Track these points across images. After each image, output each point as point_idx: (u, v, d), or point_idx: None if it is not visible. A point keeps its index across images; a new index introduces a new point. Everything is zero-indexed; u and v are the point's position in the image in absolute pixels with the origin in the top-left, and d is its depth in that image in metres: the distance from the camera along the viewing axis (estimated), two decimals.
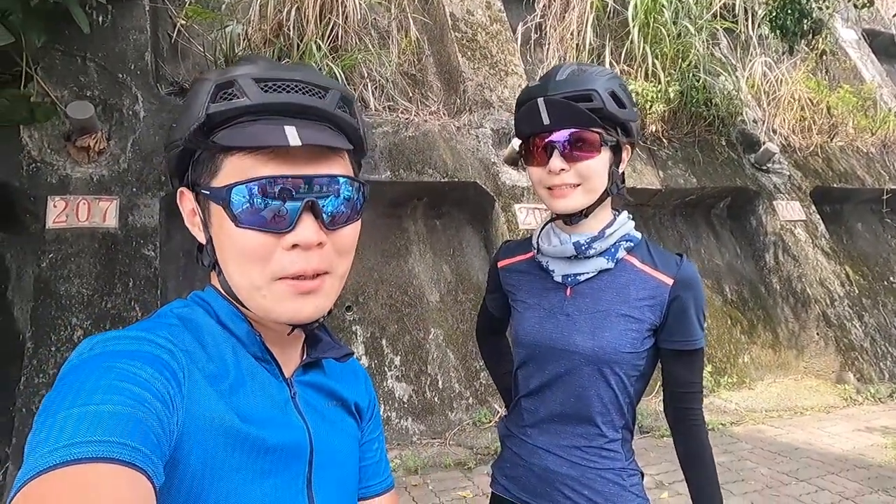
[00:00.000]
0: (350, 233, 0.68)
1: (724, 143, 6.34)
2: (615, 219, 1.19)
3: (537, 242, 1.22)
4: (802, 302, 5.76)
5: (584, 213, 1.14)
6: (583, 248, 1.14)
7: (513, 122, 4.92)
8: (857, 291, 6.02)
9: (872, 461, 3.79)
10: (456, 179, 4.86)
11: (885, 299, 6.65)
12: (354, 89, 5.06)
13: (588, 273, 1.16)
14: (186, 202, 0.70)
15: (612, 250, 1.16)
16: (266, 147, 0.62)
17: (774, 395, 5.22)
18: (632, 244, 1.18)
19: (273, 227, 0.63)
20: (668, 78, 5.88)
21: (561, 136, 1.09)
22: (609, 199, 1.16)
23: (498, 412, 4.44)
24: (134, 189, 3.90)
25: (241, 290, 0.66)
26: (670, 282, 1.13)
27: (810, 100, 6.88)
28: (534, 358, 1.20)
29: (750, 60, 6.93)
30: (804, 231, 6.11)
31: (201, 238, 0.70)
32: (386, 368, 4.42)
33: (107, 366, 0.53)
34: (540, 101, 1.10)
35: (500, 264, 1.33)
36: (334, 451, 0.73)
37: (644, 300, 1.13)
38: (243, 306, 0.68)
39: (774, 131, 6.70)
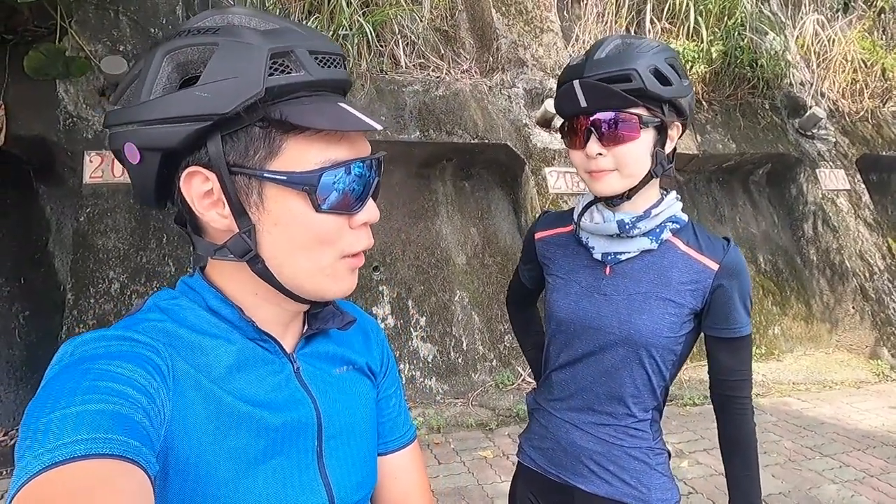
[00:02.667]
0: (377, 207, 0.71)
1: (767, 107, 6.08)
2: (662, 199, 1.15)
3: (579, 217, 1.19)
4: (840, 274, 5.60)
5: (627, 196, 1.11)
6: (627, 227, 1.11)
7: (547, 82, 4.77)
8: None
9: None
10: (486, 141, 4.78)
11: None
12: (385, 46, 4.97)
13: (630, 253, 1.13)
14: (199, 184, 0.61)
15: (657, 231, 1.13)
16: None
17: (804, 367, 5.14)
18: (678, 226, 1.14)
19: (349, 208, 0.64)
20: (712, 37, 5.61)
21: (597, 119, 1.05)
22: (655, 178, 1.12)
23: (521, 375, 4.48)
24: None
25: (301, 274, 0.64)
26: (715, 267, 1.10)
27: (864, 61, 6.50)
28: (566, 334, 1.19)
29: (801, 18, 6.56)
30: (847, 201, 5.88)
31: (222, 225, 0.62)
32: (411, 328, 4.48)
33: (85, 368, 0.52)
34: (576, 83, 1.05)
35: (537, 236, 1.30)
36: (346, 417, 0.73)
37: (686, 284, 1.10)
38: (283, 290, 0.64)
39: (822, 95, 6.38)
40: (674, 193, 1.17)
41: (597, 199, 1.16)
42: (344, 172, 0.61)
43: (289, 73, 0.59)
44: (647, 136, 1.07)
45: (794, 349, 5.46)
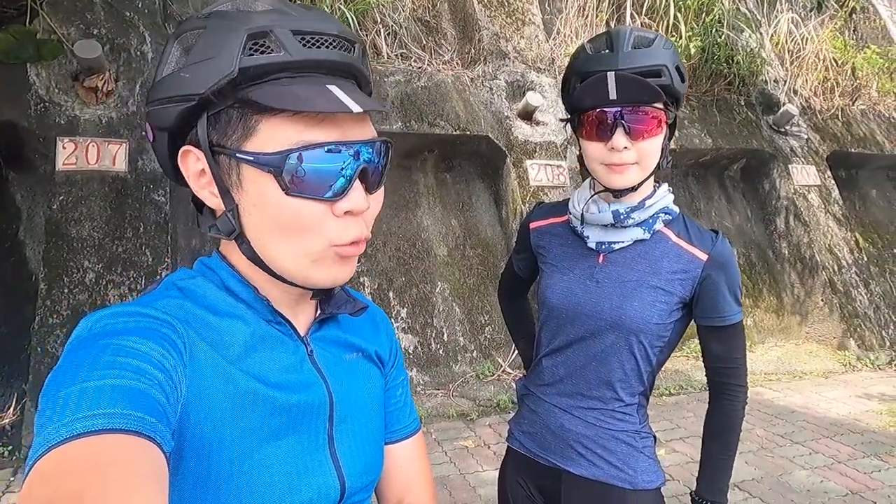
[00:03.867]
0: (382, 195, 0.69)
1: (742, 104, 6.20)
2: (655, 191, 1.18)
3: (575, 208, 1.21)
4: (810, 268, 5.75)
5: (635, 188, 1.13)
6: (622, 217, 1.14)
7: (528, 74, 4.77)
8: (865, 259, 6.00)
9: (867, 427, 3.86)
10: (468, 132, 4.78)
11: (893, 267, 6.62)
12: (367, 35, 4.93)
13: (623, 242, 1.16)
14: (192, 162, 0.63)
15: (650, 221, 1.16)
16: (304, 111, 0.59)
17: (774, 358, 5.28)
18: (669, 217, 1.18)
19: (326, 194, 0.61)
20: (690, 33, 5.69)
21: (628, 112, 1.06)
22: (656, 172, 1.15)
23: (501, 366, 4.52)
24: (143, 132, 3.86)
25: (285, 258, 0.63)
26: (704, 258, 1.13)
27: (835, 60, 6.66)
28: (558, 320, 1.21)
29: (776, 16, 6.69)
30: (817, 196, 6.03)
31: (214, 204, 0.64)
32: (392, 320, 4.47)
33: (104, 344, 0.53)
34: (610, 75, 1.05)
35: (531, 225, 1.32)
36: (356, 403, 0.74)
37: (676, 273, 1.14)
38: (270, 272, 0.65)
39: (795, 92, 6.52)
40: (666, 185, 1.20)
41: (600, 191, 1.17)
42: (312, 155, 0.59)
43: (268, 53, 0.59)
44: (664, 131, 1.10)
45: (765, 340, 5.61)
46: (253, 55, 0.59)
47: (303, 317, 0.72)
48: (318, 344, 0.72)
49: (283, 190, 0.60)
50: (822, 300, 5.62)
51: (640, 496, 1.15)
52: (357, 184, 0.62)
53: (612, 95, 1.05)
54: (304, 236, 0.62)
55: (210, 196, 0.64)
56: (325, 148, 0.59)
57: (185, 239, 4.12)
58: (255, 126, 0.60)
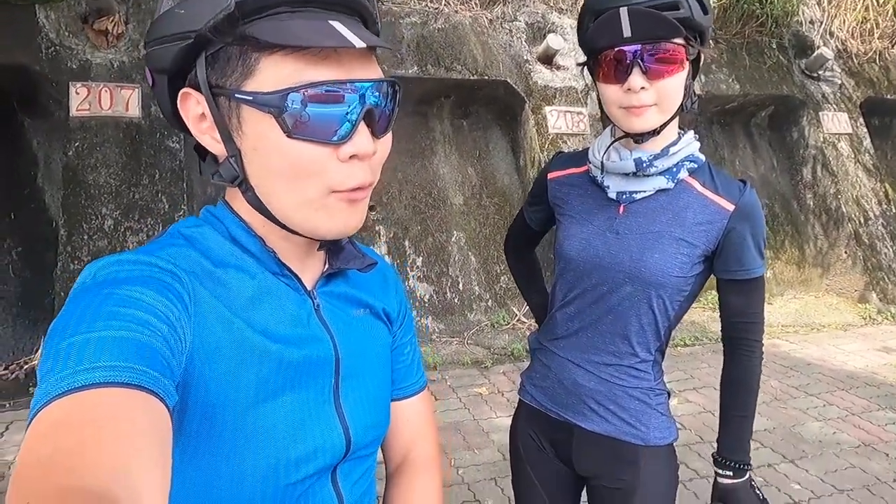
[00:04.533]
0: (390, 140, 0.65)
1: (774, 47, 5.91)
2: (680, 137, 1.11)
3: (595, 156, 1.16)
4: (835, 220, 5.62)
5: (657, 132, 1.06)
6: (644, 165, 1.08)
7: (549, 16, 4.59)
8: (893, 210, 5.83)
9: (883, 380, 3.85)
10: (486, 77, 4.64)
11: None
12: None
13: (645, 192, 1.11)
14: (192, 106, 0.60)
15: (674, 170, 1.10)
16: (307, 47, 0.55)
17: (793, 310, 5.24)
18: (695, 165, 1.12)
19: (330, 137, 0.57)
20: None
21: (643, 50, 0.99)
22: (679, 115, 1.08)
23: (516, 315, 4.54)
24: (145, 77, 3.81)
25: (288, 205, 0.61)
26: (731, 208, 1.08)
27: None
28: (575, 272, 1.17)
29: None
30: (847, 145, 5.82)
31: (216, 149, 0.62)
32: (408, 269, 4.49)
33: (107, 293, 0.52)
34: (623, 10, 0.98)
35: (550, 176, 1.27)
36: (363, 359, 0.73)
37: (701, 225, 1.09)
38: (276, 222, 0.63)
39: (831, 34, 6.20)
40: (692, 132, 1.14)
41: (620, 137, 1.12)
42: (315, 95, 0.56)
43: None
44: (686, 68, 1.03)
45: (784, 293, 5.55)
46: None
47: (310, 271, 0.71)
48: (325, 298, 0.71)
49: (285, 132, 0.56)
50: (846, 252, 5.51)
51: (651, 452, 1.14)
52: (362, 126, 0.59)
53: (627, 32, 0.98)
54: (307, 182, 0.59)
55: (212, 141, 0.61)
56: (327, 87, 0.56)
57: (202, 186, 4.12)
58: (254, 64, 0.56)
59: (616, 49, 1.01)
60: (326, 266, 0.72)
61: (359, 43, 0.55)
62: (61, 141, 3.67)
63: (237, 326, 0.60)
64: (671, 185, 1.10)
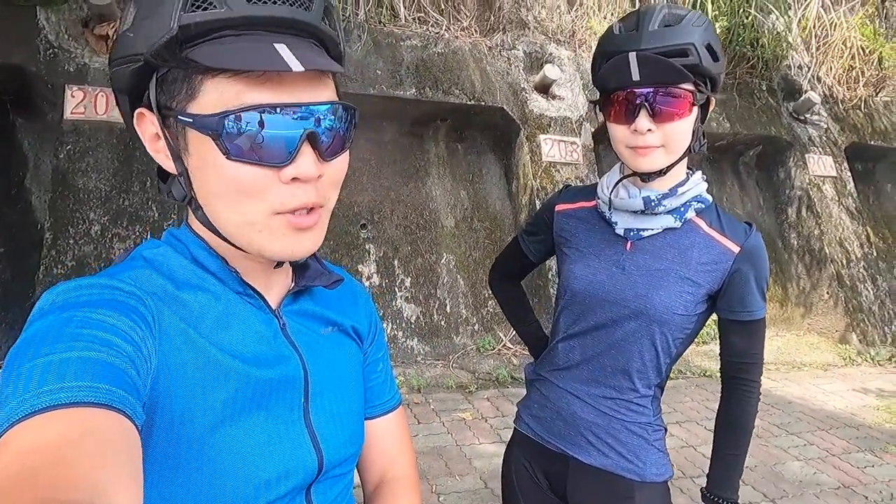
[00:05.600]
0: (343, 163, 0.64)
1: (764, 88, 6.06)
2: (689, 178, 1.14)
3: (603, 192, 1.17)
4: (818, 261, 5.71)
5: (663, 172, 1.09)
6: (652, 203, 1.10)
7: (547, 46, 4.67)
8: (875, 254, 5.94)
9: (863, 421, 3.88)
10: (483, 103, 4.70)
11: None
12: None
13: (653, 230, 1.13)
14: (147, 126, 0.62)
15: (682, 210, 1.12)
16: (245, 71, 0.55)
17: (775, 348, 5.28)
18: (702, 206, 1.14)
19: (270, 160, 0.57)
20: (717, 11, 5.53)
21: (650, 94, 1.02)
22: (688, 156, 1.11)
23: (502, 340, 4.53)
24: None
25: (231, 226, 0.60)
26: (736, 250, 1.10)
27: (862, 48, 6.48)
28: (581, 306, 1.18)
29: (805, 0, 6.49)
30: (832, 188, 5.95)
31: (170, 168, 0.62)
32: (396, 289, 4.47)
33: (68, 316, 0.51)
34: (632, 55, 1.01)
35: (558, 208, 1.28)
36: (332, 377, 0.72)
37: (706, 265, 1.10)
38: (228, 242, 0.63)
39: (819, 79, 6.37)
40: (700, 173, 1.16)
41: (628, 175, 1.13)
42: (253, 118, 0.55)
43: (205, 9, 0.55)
44: (694, 113, 1.05)
45: (767, 330, 5.60)
46: (193, 11, 0.55)
47: (276, 289, 0.71)
48: (292, 317, 0.71)
49: (224, 153, 0.57)
50: (828, 293, 5.59)
51: (647, 488, 1.14)
52: (306, 148, 0.58)
53: (635, 76, 1.01)
54: (245, 202, 0.59)
55: (165, 160, 0.62)
56: (266, 109, 0.56)
57: None
58: (199, 87, 0.57)
59: (625, 91, 1.04)
60: (293, 285, 0.72)
61: (296, 66, 0.54)
62: (53, 143, 3.63)
63: (202, 347, 0.60)
64: (678, 224, 1.12)
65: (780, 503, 2.81)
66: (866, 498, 2.89)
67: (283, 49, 0.55)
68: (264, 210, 0.59)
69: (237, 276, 0.65)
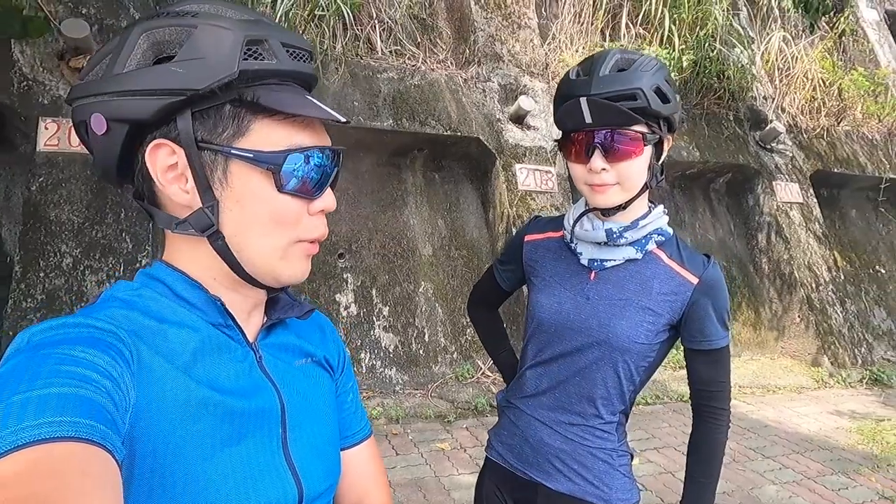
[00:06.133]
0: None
1: (731, 119, 6.26)
2: (650, 211, 1.18)
3: (573, 224, 1.22)
4: (789, 284, 5.84)
5: (622, 207, 1.14)
6: (614, 235, 1.15)
7: (522, 78, 4.81)
8: (842, 278, 6.10)
9: (836, 443, 3.93)
10: (459, 133, 4.77)
11: (868, 287, 6.76)
12: (361, 30, 4.89)
13: (615, 261, 1.17)
14: (163, 156, 0.62)
15: (643, 241, 1.16)
16: (298, 115, 0.64)
17: (750, 372, 5.36)
18: (663, 238, 1.18)
19: (308, 194, 0.66)
20: (683, 46, 5.73)
21: (603, 135, 1.08)
22: (647, 191, 1.16)
23: (481, 369, 4.52)
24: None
25: (258, 254, 0.65)
26: (695, 281, 1.14)
27: (823, 80, 6.77)
28: (547, 334, 1.21)
29: (768, 34, 6.77)
30: (799, 214, 6.12)
31: (181, 199, 0.63)
32: (374, 318, 4.45)
33: (45, 353, 0.51)
34: (583, 100, 1.07)
35: (527, 238, 1.32)
36: (309, 408, 0.73)
37: (666, 295, 1.14)
38: (236, 270, 0.66)
39: (783, 110, 6.61)
40: (661, 207, 1.21)
41: (591, 209, 1.18)
42: (305, 158, 0.65)
43: (262, 59, 0.63)
44: (647, 152, 1.10)
45: (741, 354, 5.68)
46: (248, 59, 0.61)
47: (253, 324, 0.73)
48: (267, 350, 0.72)
49: (277, 187, 0.64)
50: (799, 316, 5.71)
51: None
52: (328, 186, 0.69)
53: (588, 119, 1.07)
54: (279, 231, 0.65)
55: (179, 192, 0.63)
56: (314, 152, 0.65)
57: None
58: (248, 125, 0.63)
59: (581, 132, 1.09)
60: (265, 319, 0.74)
61: (338, 117, 0.66)
62: (25, 175, 3.59)
63: (181, 381, 0.60)
64: (640, 255, 1.16)
65: None
66: None
67: (314, 101, 0.66)
68: (290, 238, 0.66)
69: (220, 305, 0.67)
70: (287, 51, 0.65)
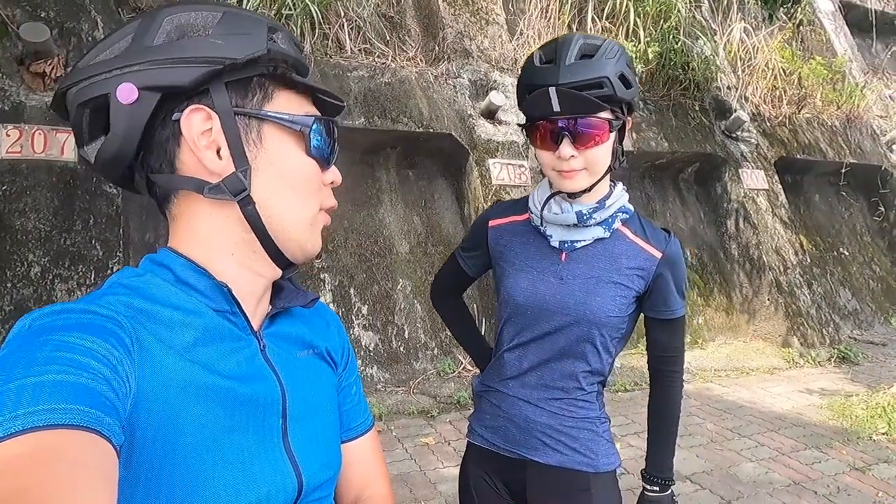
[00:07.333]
0: None
1: (697, 109, 6.40)
2: (612, 191, 1.23)
3: (535, 207, 1.24)
4: (758, 269, 5.99)
5: (588, 190, 1.17)
6: (584, 217, 1.18)
7: (491, 73, 4.83)
8: (808, 260, 6.29)
9: (808, 420, 4.06)
10: (431, 130, 4.78)
11: (833, 269, 6.98)
12: (330, 29, 4.87)
13: (585, 241, 1.21)
14: (199, 122, 0.64)
15: (610, 220, 1.21)
16: (313, 90, 0.72)
17: (724, 355, 5.48)
18: (626, 216, 1.23)
19: (326, 162, 0.72)
20: (648, 38, 5.84)
21: (570, 123, 1.10)
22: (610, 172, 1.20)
23: (462, 363, 4.54)
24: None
25: (291, 220, 0.69)
26: (659, 255, 1.20)
27: (783, 70, 6.96)
28: (524, 317, 1.24)
29: (729, 25, 6.93)
30: (765, 200, 6.29)
31: (215, 165, 0.64)
32: (353, 317, 4.44)
33: (44, 340, 0.51)
34: (552, 90, 1.09)
35: (491, 223, 1.33)
36: (310, 400, 0.73)
37: (634, 270, 1.20)
38: (264, 238, 0.67)
39: (746, 99, 6.78)
40: (621, 185, 1.25)
41: (557, 192, 1.21)
42: (325, 126, 0.71)
43: (278, 45, 0.69)
44: (612, 137, 1.13)
45: (715, 338, 5.82)
46: (270, 42, 0.68)
47: (259, 312, 0.72)
48: (271, 339, 0.72)
49: (306, 150, 0.69)
50: (769, 299, 5.86)
51: (601, 478, 1.22)
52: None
53: (556, 108, 1.10)
54: (311, 197, 0.71)
55: (212, 157, 0.65)
56: (330, 122, 0.73)
57: (139, 232, 3.98)
58: (272, 94, 0.68)
59: (547, 121, 1.12)
60: (270, 308, 0.74)
61: (342, 101, 0.75)
62: None
63: (183, 367, 0.60)
64: (607, 234, 1.21)
65: None
66: (815, 493, 3.02)
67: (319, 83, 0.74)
68: (316, 205, 0.71)
69: (227, 292, 0.66)
70: (293, 42, 0.73)
